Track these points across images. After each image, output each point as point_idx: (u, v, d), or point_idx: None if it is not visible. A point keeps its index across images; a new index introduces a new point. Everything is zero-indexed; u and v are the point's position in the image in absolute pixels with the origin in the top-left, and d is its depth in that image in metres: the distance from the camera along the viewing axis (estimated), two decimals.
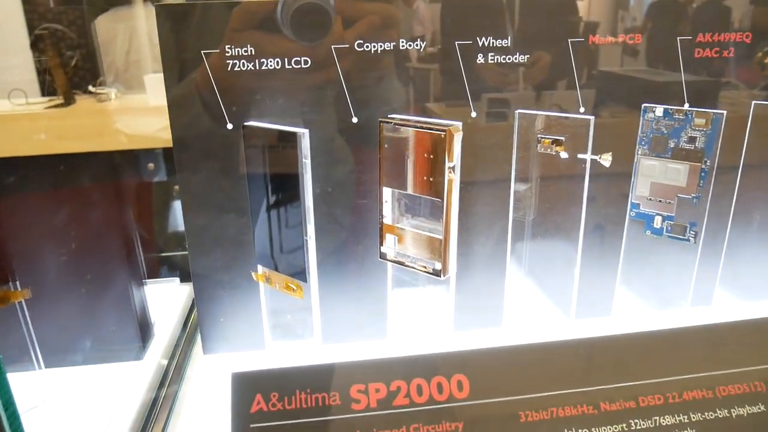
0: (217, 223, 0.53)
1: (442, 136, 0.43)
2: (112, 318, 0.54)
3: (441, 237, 0.46)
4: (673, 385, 0.45)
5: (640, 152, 0.51)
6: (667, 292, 0.56)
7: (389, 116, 0.47)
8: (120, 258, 0.53)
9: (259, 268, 0.49)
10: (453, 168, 0.44)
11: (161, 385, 0.53)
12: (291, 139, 0.43)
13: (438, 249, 0.46)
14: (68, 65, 1.20)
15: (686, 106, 0.56)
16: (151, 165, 0.90)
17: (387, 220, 0.49)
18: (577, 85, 0.54)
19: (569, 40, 0.53)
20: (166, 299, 0.65)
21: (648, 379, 0.44)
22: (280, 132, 0.43)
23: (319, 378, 0.42)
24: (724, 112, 0.47)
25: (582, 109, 0.55)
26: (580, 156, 0.47)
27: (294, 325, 0.49)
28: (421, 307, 0.51)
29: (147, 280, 0.66)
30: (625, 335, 0.47)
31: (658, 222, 0.51)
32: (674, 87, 0.56)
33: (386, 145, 0.46)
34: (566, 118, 0.47)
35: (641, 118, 0.50)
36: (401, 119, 0.46)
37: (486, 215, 0.55)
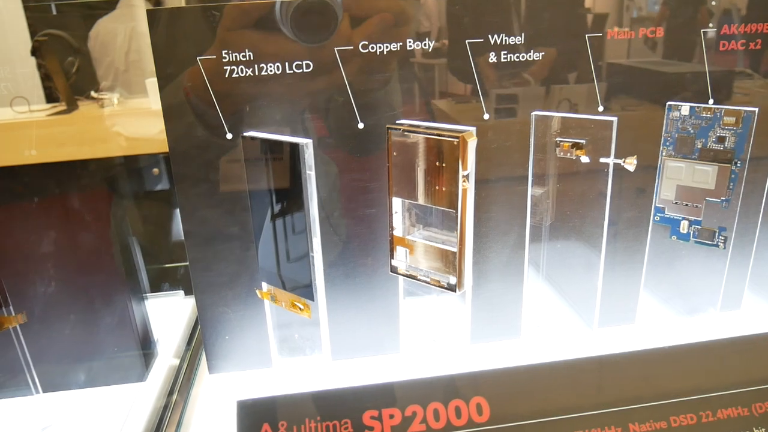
0: (219, 237, 0.50)
1: (455, 143, 0.40)
2: (111, 337, 0.52)
3: (455, 249, 0.43)
4: (707, 403, 0.42)
5: (664, 153, 0.48)
6: (693, 297, 0.53)
7: (398, 122, 0.44)
8: (118, 272, 0.51)
9: (264, 285, 0.47)
10: (467, 176, 0.41)
11: (165, 407, 0.51)
12: (293, 150, 0.40)
13: (452, 262, 0.44)
14: (69, 71, 1.18)
15: (711, 102, 0.53)
16: (155, 170, 0.87)
17: (397, 231, 0.46)
18: (595, 81, 0.51)
19: (586, 36, 0.50)
20: (170, 314, 0.63)
21: (680, 396, 0.42)
22: (282, 143, 0.41)
23: (329, 404, 0.40)
24: (756, 109, 0.44)
25: (600, 108, 0.52)
26: (602, 160, 0.44)
27: (301, 342, 0.47)
28: (435, 318, 0.49)
29: (149, 294, 0.64)
30: (652, 349, 0.44)
31: (684, 227, 0.48)
32: (699, 81, 0.53)
33: (395, 153, 0.44)
34: (586, 119, 0.44)
35: (665, 117, 0.47)
36: (410, 125, 0.43)
37: (501, 221, 0.53)
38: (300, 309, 0.45)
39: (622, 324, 0.54)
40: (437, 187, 0.43)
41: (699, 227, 0.48)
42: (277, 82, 0.47)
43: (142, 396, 0.51)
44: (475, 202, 0.51)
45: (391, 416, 0.40)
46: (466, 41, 0.49)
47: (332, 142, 0.49)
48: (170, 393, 0.53)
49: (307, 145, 0.40)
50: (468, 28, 0.49)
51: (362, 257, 0.52)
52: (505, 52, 0.49)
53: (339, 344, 0.51)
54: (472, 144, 0.41)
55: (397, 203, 0.45)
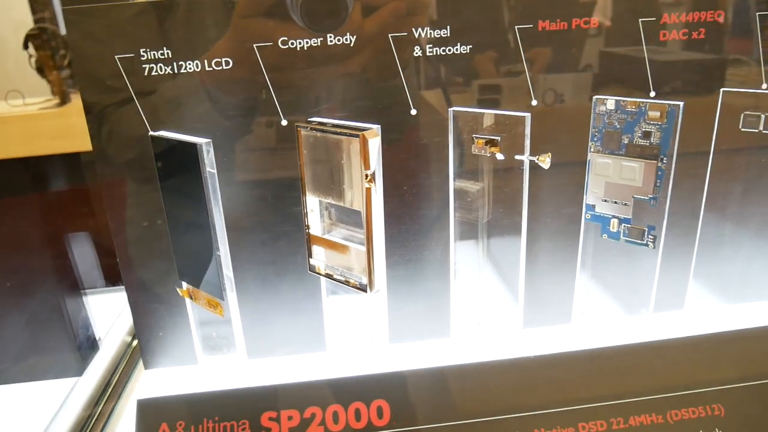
0: (147, 235, 0.50)
1: (356, 141, 0.40)
2: (47, 332, 0.53)
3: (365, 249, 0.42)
4: (619, 409, 0.41)
5: (592, 149, 0.46)
6: (630, 297, 0.51)
7: (309, 120, 0.44)
8: (49, 268, 0.52)
9: (183, 283, 0.47)
10: (372, 175, 0.40)
11: (98, 402, 0.52)
12: (193, 150, 0.40)
13: (364, 262, 0.43)
14: (61, 64, 1.19)
15: (652, 95, 0.51)
16: None
17: (314, 230, 0.45)
18: (527, 74, 0.50)
19: (516, 27, 0.49)
20: (117, 309, 0.63)
21: (590, 402, 0.40)
22: (182, 142, 0.40)
23: (228, 404, 0.40)
24: (681, 103, 0.42)
25: (534, 102, 0.50)
26: (517, 157, 0.43)
27: (219, 341, 0.47)
28: (358, 316, 0.48)
29: (96, 289, 0.65)
30: (563, 353, 0.43)
31: (614, 225, 0.47)
32: (641, 72, 0.51)
33: (305, 151, 0.43)
34: (503, 115, 0.43)
35: (592, 111, 0.46)
36: (319, 123, 0.42)
37: (431, 218, 0.52)
38: (215, 307, 0.45)
39: (554, 324, 0.53)
40: (344, 186, 0.42)
41: (629, 226, 0.46)
42: (196, 79, 0.47)
43: (78, 391, 0.52)
44: (410, 202, 0.50)
45: (290, 418, 0.39)
46: (389, 35, 0.48)
47: (253, 141, 0.48)
48: (106, 388, 0.53)
49: (206, 144, 0.40)
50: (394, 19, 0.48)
51: (291, 255, 0.51)
52: (431, 45, 0.48)
53: (261, 343, 0.51)
54: (374, 142, 0.40)
55: (311, 202, 0.45)
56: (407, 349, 0.49)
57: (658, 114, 0.43)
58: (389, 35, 0.48)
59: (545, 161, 0.42)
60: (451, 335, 0.52)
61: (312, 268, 0.46)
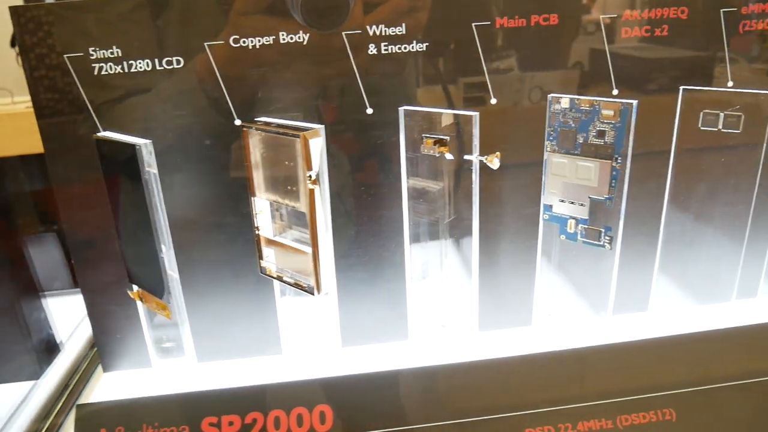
0: (101, 236, 0.50)
1: (297, 141, 0.39)
2: (7, 335, 0.52)
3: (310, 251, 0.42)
4: (566, 415, 0.40)
5: (548, 148, 0.45)
6: (594, 298, 0.50)
7: (256, 119, 0.43)
8: (14, 270, 0.51)
9: (134, 286, 0.46)
10: (315, 176, 0.40)
11: (54, 404, 0.51)
12: (132, 151, 0.39)
13: (310, 264, 0.42)
14: None
15: (615, 92, 0.50)
16: None
17: (264, 232, 0.45)
18: (486, 72, 0.49)
19: (473, 24, 0.48)
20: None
21: (535, 407, 0.40)
22: (122, 143, 0.40)
23: (168, 410, 0.39)
24: (634, 102, 0.41)
25: (494, 100, 0.50)
26: (466, 157, 0.42)
27: (169, 344, 0.46)
28: (311, 319, 0.47)
29: (60, 291, 0.64)
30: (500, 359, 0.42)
31: (571, 226, 0.46)
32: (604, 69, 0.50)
33: (252, 152, 0.42)
34: (453, 114, 0.42)
35: (548, 110, 0.45)
36: (264, 123, 0.42)
37: (395, 220, 0.51)
38: (162, 309, 0.44)
39: (510, 327, 0.52)
40: (289, 187, 0.41)
41: (585, 226, 0.45)
42: (147, 79, 0.46)
43: (35, 393, 0.51)
44: (367, 203, 0.49)
45: (231, 423, 0.39)
46: (343, 33, 0.47)
47: (207, 140, 0.48)
48: (63, 390, 0.53)
49: (145, 145, 0.39)
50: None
51: (246, 257, 0.51)
52: (386, 43, 0.47)
53: (214, 346, 0.50)
54: (315, 143, 0.39)
55: (260, 203, 0.44)
56: (363, 353, 0.49)
57: (611, 113, 0.42)
58: (343, 33, 0.47)
59: (493, 161, 0.41)
60: (410, 338, 0.51)
61: (263, 271, 0.46)
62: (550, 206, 0.47)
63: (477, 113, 0.41)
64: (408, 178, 0.46)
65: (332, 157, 0.50)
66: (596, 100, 0.42)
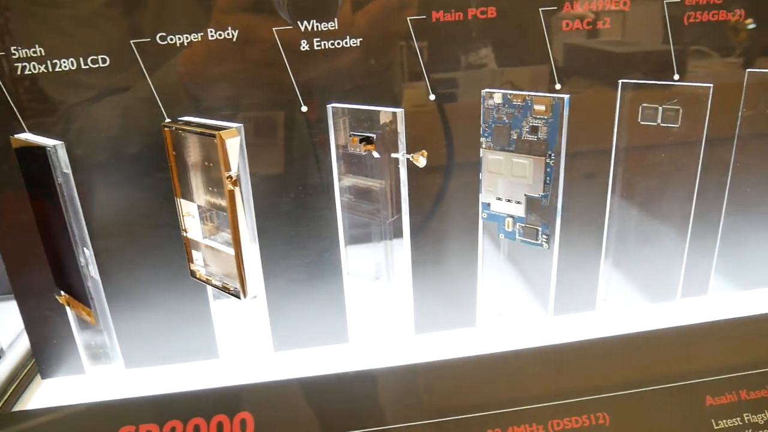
0: (33, 240, 0.48)
1: (214, 141, 0.38)
2: None
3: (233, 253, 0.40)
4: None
5: (484, 145, 0.44)
6: (537, 299, 0.49)
7: (179, 118, 0.42)
8: None
9: (62, 291, 0.45)
10: (235, 177, 0.38)
11: None
12: (44, 153, 0.38)
13: (235, 267, 0.41)
14: None
15: (558, 86, 0.49)
16: None
17: (192, 234, 0.44)
18: (423, 69, 0.48)
19: (408, 19, 0.47)
20: None
21: (462, 413, 0.39)
22: (36, 146, 0.38)
23: (85, 419, 0.38)
24: (566, 96, 0.40)
25: (432, 97, 0.48)
26: (393, 155, 0.41)
27: (97, 350, 0.45)
28: (244, 322, 0.46)
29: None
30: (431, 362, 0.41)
31: (509, 224, 0.45)
32: (545, 63, 0.49)
33: (175, 152, 0.41)
34: (377, 111, 0.41)
35: (482, 106, 0.43)
36: (185, 122, 0.40)
37: (329, 219, 0.50)
38: (88, 315, 0.43)
39: (462, 327, 0.51)
40: (211, 188, 0.40)
41: (523, 225, 0.44)
42: (72, 78, 0.45)
43: None
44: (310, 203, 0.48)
45: None
46: (273, 29, 0.46)
47: (138, 141, 0.47)
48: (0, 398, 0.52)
49: (55, 148, 0.38)
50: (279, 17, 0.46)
51: (182, 259, 0.49)
52: (318, 39, 0.46)
53: (148, 352, 0.49)
54: (232, 142, 0.38)
55: (186, 205, 0.43)
56: (298, 356, 0.48)
57: (543, 108, 0.40)
58: (273, 29, 0.46)
59: (419, 160, 0.40)
60: (350, 341, 0.50)
61: (193, 274, 0.45)
62: (488, 204, 0.45)
63: (402, 110, 0.40)
64: (349, 177, 0.45)
65: (274, 155, 0.49)
66: (528, 95, 0.41)
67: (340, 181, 0.47)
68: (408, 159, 0.40)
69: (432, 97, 0.48)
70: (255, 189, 0.46)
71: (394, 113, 0.39)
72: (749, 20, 0.50)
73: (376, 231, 0.50)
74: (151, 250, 0.49)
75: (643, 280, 0.51)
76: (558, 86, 0.49)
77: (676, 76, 0.50)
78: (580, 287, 0.52)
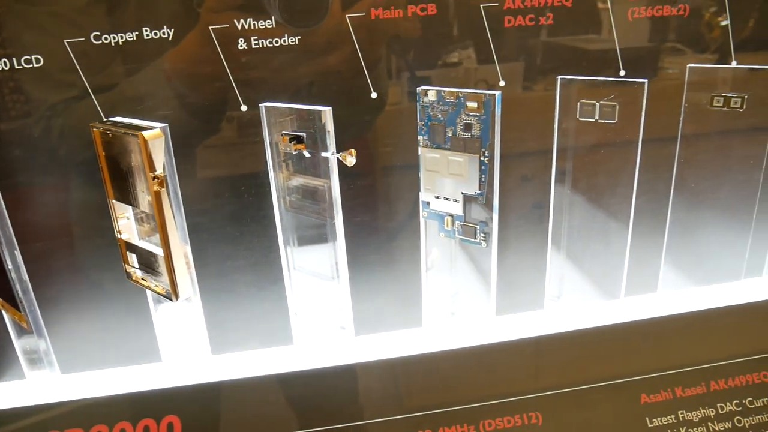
0: None
1: (136, 141, 0.37)
2: None
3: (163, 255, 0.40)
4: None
5: (421, 143, 0.44)
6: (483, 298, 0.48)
7: (109, 119, 0.41)
8: None
9: None
10: (161, 178, 0.38)
11: None
12: None
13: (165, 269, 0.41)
14: None
15: (501, 84, 0.49)
16: None
17: (126, 237, 0.43)
18: (363, 66, 0.47)
19: (346, 16, 0.46)
20: None
21: (396, 413, 0.38)
22: None
23: (10, 423, 0.37)
24: (498, 93, 0.40)
25: (374, 95, 0.48)
26: (323, 154, 0.41)
27: (33, 354, 0.44)
28: (183, 324, 0.46)
29: None
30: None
31: (448, 223, 0.44)
32: (489, 61, 0.48)
33: (105, 153, 0.41)
34: (307, 110, 0.40)
35: (417, 103, 0.43)
36: (112, 122, 0.40)
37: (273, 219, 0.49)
38: (20, 318, 0.43)
39: (409, 328, 0.51)
40: (138, 189, 0.39)
41: (461, 223, 0.44)
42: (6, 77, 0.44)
43: None
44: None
45: None
46: (210, 27, 0.45)
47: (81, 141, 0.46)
48: None
49: None
50: (212, 13, 0.45)
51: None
52: (256, 37, 0.46)
53: (86, 356, 0.48)
54: (156, 143, 0.37)
55: (119, 207, 0.42)
56: (235, 359, 0.47)
57: (475, 105, 0.40)
58: (210, 27, 0.45)
59: (347, 159, 0.40)
60: (294, 342, 0.49)
61: (129, 276, 0.44)
62: (428, 203, 0.45)
63: (329, 108, 0.39)
64: (298, 177, 0.44)
65: (214, 156, 0.49)
66: (461, 92, 0.41)
67: (287, 181, 0.46)
68: (338, 158, 0.40)
69: (374, 95, 0.48)
70: (198, 190, 0.46)
71: (323, 111, 0.39)
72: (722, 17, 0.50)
73: (322, 231, 0.49)
74: (93, 252, 0.49)
75: (592, 278, 0.50)
76: (502, 83, 0.49)
77: (623, 72, 0.50)
78: (528, 286, 0.52)
